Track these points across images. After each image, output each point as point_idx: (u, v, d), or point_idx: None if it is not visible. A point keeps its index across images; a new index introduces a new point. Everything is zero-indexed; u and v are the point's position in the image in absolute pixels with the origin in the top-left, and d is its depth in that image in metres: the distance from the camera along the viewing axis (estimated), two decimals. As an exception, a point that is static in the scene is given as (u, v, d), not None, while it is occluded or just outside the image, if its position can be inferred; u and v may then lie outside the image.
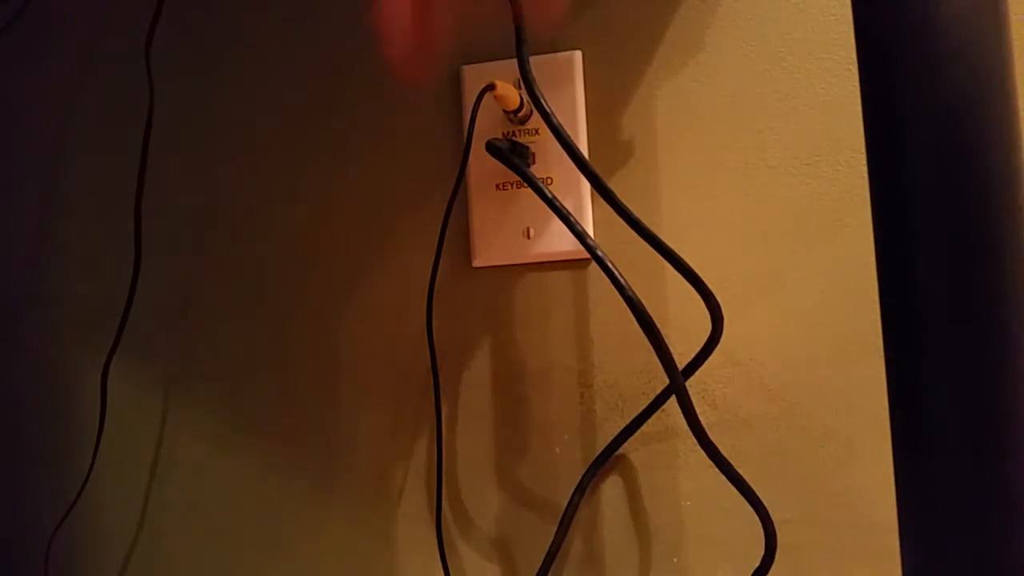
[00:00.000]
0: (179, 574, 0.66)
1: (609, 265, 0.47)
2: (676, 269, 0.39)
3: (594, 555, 0.58)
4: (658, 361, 0.49)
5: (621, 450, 0.58)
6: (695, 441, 0.52)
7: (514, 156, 0.53)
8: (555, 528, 0.57)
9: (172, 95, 0.67)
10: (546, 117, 0.44)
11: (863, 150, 0.27)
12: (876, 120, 0.27)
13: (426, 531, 0.60)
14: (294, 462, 0.64)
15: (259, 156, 0.66)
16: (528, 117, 0.58)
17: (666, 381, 0.55)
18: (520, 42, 0.45)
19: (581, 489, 0.57)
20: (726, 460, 0.45)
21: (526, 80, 0.46)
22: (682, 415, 0.52)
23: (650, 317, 0.41)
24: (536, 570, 0.57)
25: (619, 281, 0.44)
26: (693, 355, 0.54)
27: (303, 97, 0.65)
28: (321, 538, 0.63)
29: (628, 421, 0.57)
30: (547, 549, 0.57)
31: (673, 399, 0.55)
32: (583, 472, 0.58)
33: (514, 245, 0.59)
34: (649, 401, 0.57)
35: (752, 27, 0.57)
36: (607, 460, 0.57)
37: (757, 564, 0.51)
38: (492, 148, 0.52)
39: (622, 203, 0.44)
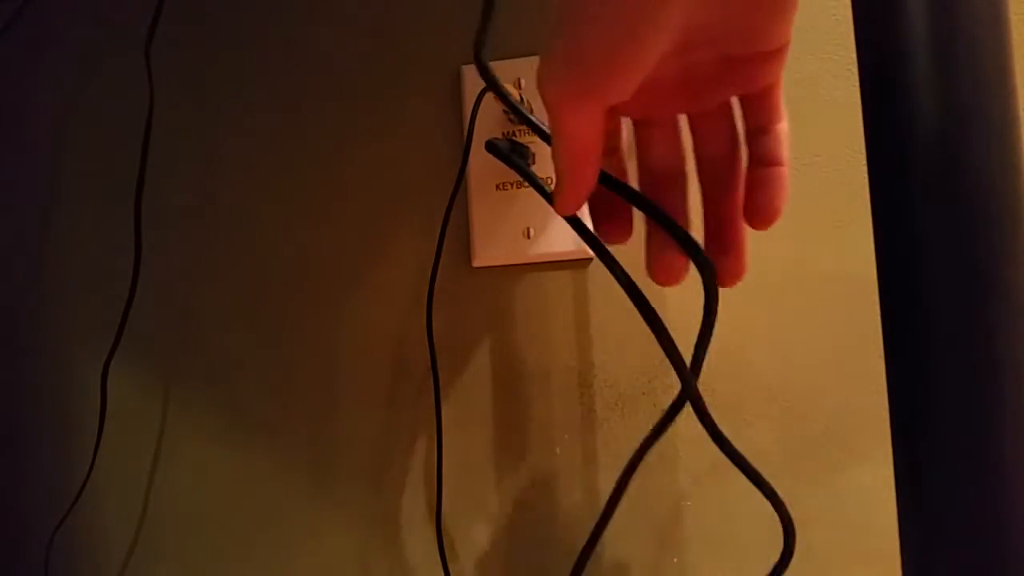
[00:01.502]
0: (179, 574, 0.66)
1: (612, 262, 0.46)
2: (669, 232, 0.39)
3: (594, 555, 0.58)
4: (657, 361, 0.49)
5: (621, 450, 0.58)
6: (695, 441, 0.52)
7: (514, 155, 0.53)
8: (554, 529, 0.58)
9: (172, 95, 0.67)
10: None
11: (863, 150, 0.27)
12: (876, 120, 0.27)
13: (426, 531, 0.60)
14: (294, 462, 0.64)
15: (259, 156, 0.66)
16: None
17: (666, 381, 0.55)
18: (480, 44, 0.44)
19: (616, 497, 0.54)
20: (741, 456, 0.44)
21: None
22: (682, 415, 0.51)
23: (655, 312, 0.41)
24: (535, 570, 0.57)
25: (623, 278, 0.44)
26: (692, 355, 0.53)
27: (303, 97, 0.65)
28: (321, 537, 0.63)
29: (628, 421, 0.57)
30: (550, 553, 0.57)
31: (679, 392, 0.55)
32: (585, 477, 0.58)
33: (514, 245, 0.59)
34: (649, 401, 0.57)
35: (752, 27, 0.57)
36: (636, 467, 0.56)
37: (756, 564, 0.51)
38: (492, 147, 0.52)
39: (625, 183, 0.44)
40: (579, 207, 0.33)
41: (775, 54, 0.31)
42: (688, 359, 0.48)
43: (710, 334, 0.39)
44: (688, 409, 0.40)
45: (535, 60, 0.59)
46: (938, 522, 0.25)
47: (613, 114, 0.33)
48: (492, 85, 0.40)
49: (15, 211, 0.71)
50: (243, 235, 0.66)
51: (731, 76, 0.32)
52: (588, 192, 0.32)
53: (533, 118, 0.43)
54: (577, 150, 0.30)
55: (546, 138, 0.42)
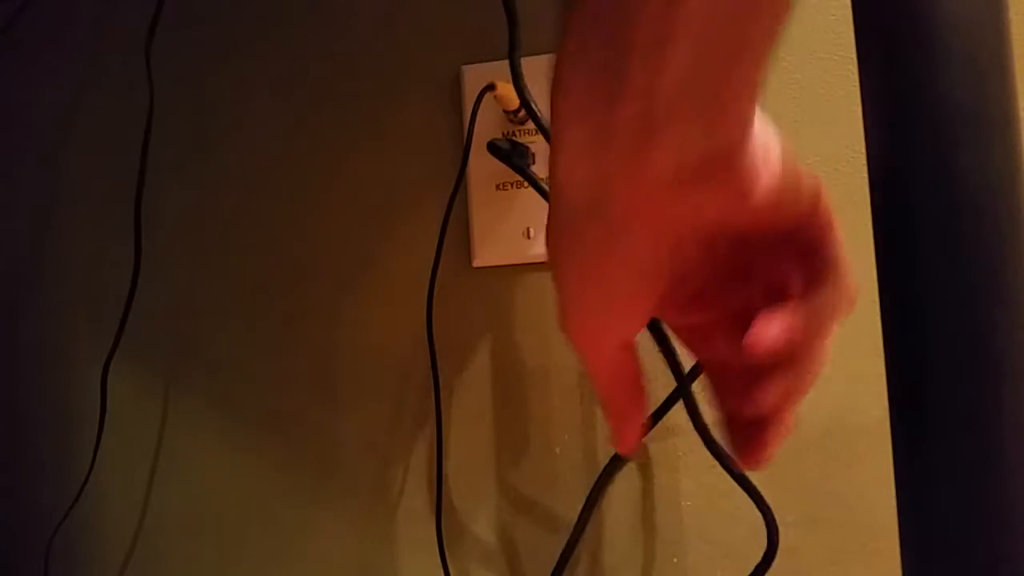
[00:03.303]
0: (178, 573, 0.66)
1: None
2: None
3: (594, 555, 0.58)
4: (657, 362, 0.49)
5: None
6: (695, 441, 0.52)
7: (515, 156, 0.53)
8: (554, 528, 0.57)
9: (172, 95, 0.67)
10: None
11: (863, 150, 0.27)
12: (876, 120, 0.27)
13: (426, 531, 0.60)
14: (294, 462, 0.64)
15: (259, 156, 0.66)
16: (528, 117, 0.58)
17: (666, 381, 0.55)
18: (513, 47, 0.45)
19: (592, 500, 0.56)
20: (729, 457, 0.45)
21: (518, 87, 0.46)
22: (683, 414, 0.52)
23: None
24: (536, 571, 0.57)
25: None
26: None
27: (303, 98, 0.65)
28: (321, 538, 0.63)
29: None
30: (550, 552, 0.57)
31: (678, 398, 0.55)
32: (586, 477, 0.58)
33: (514, 245, 0.59)
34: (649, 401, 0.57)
35: (752, 27, 0.57)
36: (616, 468, 0.57)
37: (757, 564, 0.51)
38: (493, 148, 0.52)
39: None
40: (636, 441, 0.30)
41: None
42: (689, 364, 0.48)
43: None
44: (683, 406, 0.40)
45: (537, 60, 0.59)
46: (938, 522, 0.25)
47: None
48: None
49: (15, 211, 0.71)
50: (243, 235, 0.66)
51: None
52: (639, 422, 0.29)
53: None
54: (608, 386, 0.28)
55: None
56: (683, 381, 0.49)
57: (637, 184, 0.22)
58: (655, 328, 0.45)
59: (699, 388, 0.57)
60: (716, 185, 0.23)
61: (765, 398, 0.25)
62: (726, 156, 0.22)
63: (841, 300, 0.25)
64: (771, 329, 0.24)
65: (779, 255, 0.26)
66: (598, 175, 0.22)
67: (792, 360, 0.25)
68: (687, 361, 0.54)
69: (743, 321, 0.26)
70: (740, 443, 0.27)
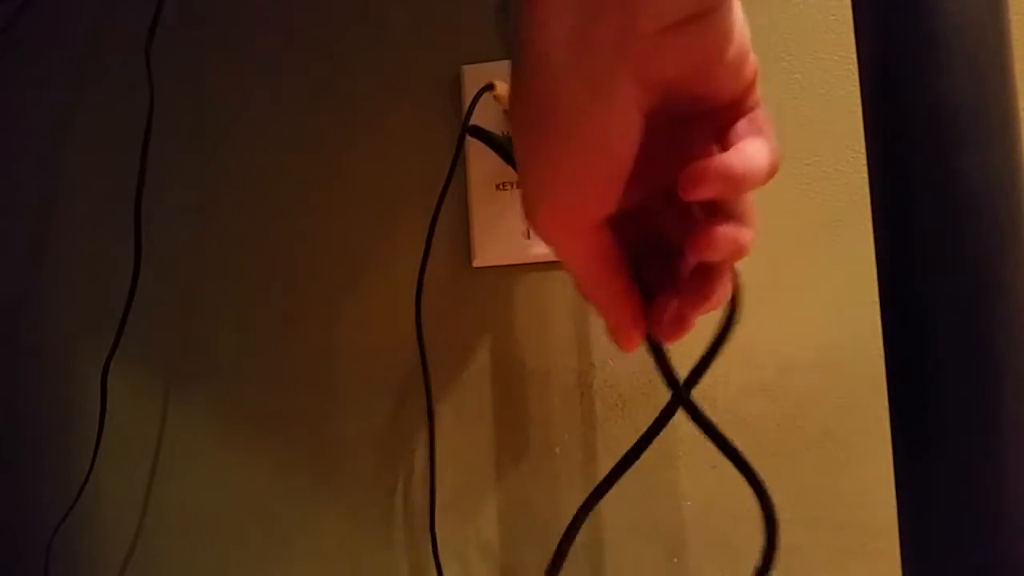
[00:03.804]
0: (179, 573, 0.66)
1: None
2: None
3: (594, 555, 0.58)
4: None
5: (621, 450, 0.58)
6: (695, 441, 0.52)
7: (496, 139, 0.53)
8: (554, 528, 0.57)
9: (172, 95, 0.67)
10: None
11: (863, 150, 0.27)
12: (876, 120, 0.27)
13: (425, 530, 0.60)
14: (293, 462, 0.64)
15: (259, 157, 0.66)
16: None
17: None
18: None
19: (586, 508, 0.54)
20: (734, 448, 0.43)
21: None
22: (684, 416, 0.51)
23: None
24: (535, 571, 0.57)
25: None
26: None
27: (303, 97, 0.65)
28: (319, 538, 0.63)
29: (628, 421, 0.57)
30: (550, 553, 0.57)
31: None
32: (586, 477, 0.58)
33: (514, 245, 0.59)
34: (649, 401, 0.57)
35: (752, 27, 0.57)
36: (616, 481, 0.56)
37: (758, 564, 0.51)
38: (476, 131, 0.52)
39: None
40: (637, 334, 0.29)
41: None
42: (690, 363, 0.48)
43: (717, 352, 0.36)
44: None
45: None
46: (938, 522, 0.25)
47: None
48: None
49: (15, 211, 0.71)
50: (243, 235, 0.66)
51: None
52: (634, 310, 0.28)
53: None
54: (591, 273, 0.27)
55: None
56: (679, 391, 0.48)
57: (625, 35, 0.22)
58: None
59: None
60: (701, 39, 0.23)
61: (709, 247, 0.26)
62: (715, 8, 0.22)
63: (768, 156, 0.26)
64: (707, 165, 0.25)
65: (706, 126, 0.27)
66: (583, 25, 0.22)
67: (727, 210, 0.26)
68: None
69: (670, 203, 0.27)
70: (671, 315, 0.29)
